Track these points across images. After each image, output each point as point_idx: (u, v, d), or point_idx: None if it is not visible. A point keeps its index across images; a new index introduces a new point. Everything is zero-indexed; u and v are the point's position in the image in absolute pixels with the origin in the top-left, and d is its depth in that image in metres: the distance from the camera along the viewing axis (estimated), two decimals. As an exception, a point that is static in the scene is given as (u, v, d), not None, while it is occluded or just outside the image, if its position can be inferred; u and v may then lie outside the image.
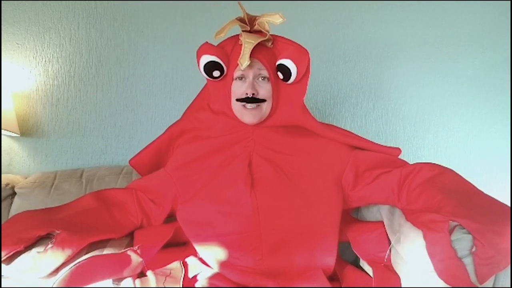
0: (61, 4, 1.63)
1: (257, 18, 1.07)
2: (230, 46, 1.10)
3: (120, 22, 1.66)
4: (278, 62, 1.05)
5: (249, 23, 1.08)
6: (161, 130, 1.24)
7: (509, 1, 1.77)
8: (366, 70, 1.76)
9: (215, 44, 1.10)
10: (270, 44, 1.11)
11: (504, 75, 1.79)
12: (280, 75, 1.06)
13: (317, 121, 1.16)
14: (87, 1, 1.64)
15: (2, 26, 1.58)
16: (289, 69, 1.03)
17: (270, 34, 1.09)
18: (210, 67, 1.06)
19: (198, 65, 1.07)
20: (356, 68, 1.76)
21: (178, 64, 1.69)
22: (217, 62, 1.05)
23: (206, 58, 1.05)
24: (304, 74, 1.07)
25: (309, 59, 1.06)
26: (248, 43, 1.02)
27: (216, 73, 1.07)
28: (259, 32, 1.09)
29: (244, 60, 1.01)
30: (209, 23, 1.69)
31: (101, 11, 1.65)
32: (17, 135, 1.55)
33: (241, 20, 1.08)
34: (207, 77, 1.09)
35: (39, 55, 1.62)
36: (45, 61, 1.62)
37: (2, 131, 1.46)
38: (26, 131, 1.60)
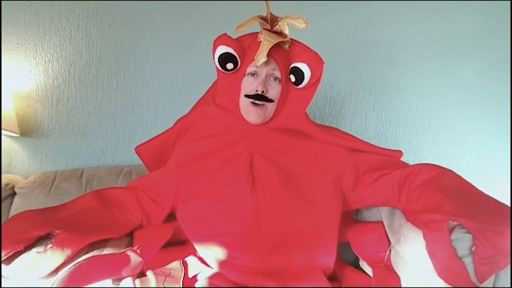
0: (61, 4, 1.63)
1: (279, 19, 1.08)
2: (248, 42, 1.10)
3: (120, 22, 1.66)
4: (293, 65, 1.05)
5: (270, 23, 1.08)
6: (161, 130, 1.23)
7: (509, 1, 1.77)
8: (366, 70, 1.76)
9: (233, 37, 1.09)
10: (287, 46, 1.11)
11: (504, 75, 1.79)
12: (293, 78, 1.06)
13: (317, 128, 1.14)
14: (87, 1, 1.65)
15: (2, 26, 1.58)
16: (303, 73, 1.03)
17: (289, 38, 1.09)
18: (224, 59, 1.05)
19: (213, 55, 1.07)
20: (356, 68, 1.76)
21: (178, 64, 1.69)
22: (232, 54, 1.05)
23: (222, 49, 1.04)
24: (315, 82, 1.07)
25: (323, 69, 1.06)
26: (267, 40, 1.02)
27: (229, 66, 1.07)
28: (279, 33, 1.09)
29: (261, 57, 1.01)
30: (209, 23, 1.69)
31: (101, 11, 1.65)
32: (17, 135, 1.55)
33: (263, 18, 1.08)
34: (220, 68, 1.09)
35: (39, 55, 1.62)
36: (45, 61, 1.62)
37: (2, 131, 1.46)
38: (26, 131, 1.60)
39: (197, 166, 1.13)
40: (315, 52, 1.07)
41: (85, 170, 1.51)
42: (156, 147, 1.23)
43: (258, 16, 1.08)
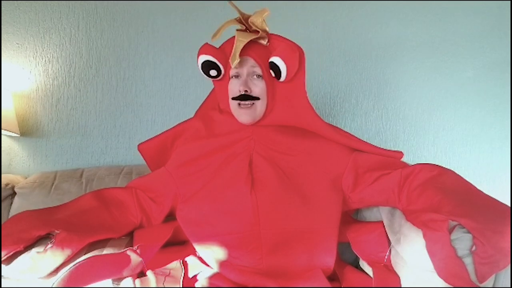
0: (61, 4, 1.63)
1: (250, 17, 1.08)
2: (230, 47, 1.10)
3: (120, 22, 1.67)
4: (269, 60, 1.04)
5: (245, 23, 1.08)
6: (161, 130, 1.24)
7: (509, 1, 1.77)
8: (366, 70, 1.76)
9: (217, 45, 1.10)
10: (266, 42, 1.10)
11: (504, 75, 1.79)
12: (273, 73, 1.06)
13: (322, 122, 1.13)
14: (87, 1, 1.65)
15: (2, 26, 1.58)
16: (278, 67, 1.03)
17: (267, 33, 1.09)
18: (206, 67, 1.07)
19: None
20: (356, 68, 1.76)
21: (178, 64, 1.69)
22: (212, 61, 1.06)
23: (202, 58, 1.06)
24: (297, 72, 1.06)
25: (300, 55, 1.05)
26: (239, 41, 1.03)
27: (213, 72, 1.08)
28: (256, 31, 1.08)
29: (233, 59, 1.02)
30: (209, 23, 1.69)
31: (101, 11, 1.66)
32: (17, 135, 1.55)
33: (239, 20, 1.09)
34: (206, 76, 1.10)
35: (39, 55, 1.62)
36: (45, 61, 1.62)
37: (2, 131, 1.46)
38: (26, 131, 1.60)
39: (197, 166, 1.14)
40: (290, 42, 1.06)
41: (85, 170, 1.51)
42: (157, 145, 1.23)
43: (234, 19, 1.08)
